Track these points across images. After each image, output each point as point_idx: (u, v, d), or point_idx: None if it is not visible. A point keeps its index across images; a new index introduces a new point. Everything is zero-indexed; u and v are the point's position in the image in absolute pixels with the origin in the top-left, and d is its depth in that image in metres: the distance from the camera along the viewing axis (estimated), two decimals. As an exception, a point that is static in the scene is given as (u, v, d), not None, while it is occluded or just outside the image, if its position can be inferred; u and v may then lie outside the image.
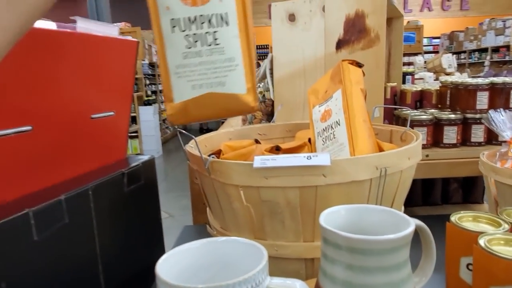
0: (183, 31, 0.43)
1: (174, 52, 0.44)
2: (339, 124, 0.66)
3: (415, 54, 6.56)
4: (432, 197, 1.37)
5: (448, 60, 4.41)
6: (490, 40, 7.29)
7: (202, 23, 0.43)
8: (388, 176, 0.55)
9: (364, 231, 0.43)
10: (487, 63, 7.48)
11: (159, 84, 6.94)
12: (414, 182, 1.35)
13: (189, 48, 0.43)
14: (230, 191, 0.56)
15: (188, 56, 0.44)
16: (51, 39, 0.55)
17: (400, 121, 1.20)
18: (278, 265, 0.59)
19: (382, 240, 0.36)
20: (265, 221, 0.56)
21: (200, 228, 0.91)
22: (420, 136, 0.66)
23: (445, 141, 1.08)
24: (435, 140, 1.10)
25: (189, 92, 0.45)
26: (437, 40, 9.31)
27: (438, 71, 4.17)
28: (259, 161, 0.51)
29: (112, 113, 0.73)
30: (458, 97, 1.14)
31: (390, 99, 1.39)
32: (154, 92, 6.65)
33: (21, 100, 0.52)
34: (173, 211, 3.32)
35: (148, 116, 5.33)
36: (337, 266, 0.38)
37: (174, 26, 0.43)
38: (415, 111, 1.18)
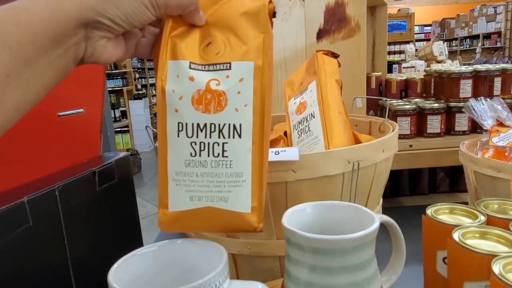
0: (190, 137, 0.39)
1: (177, 157, 0.40)
2: (314, 117, 0.64)
3: (407, 42, 6.54)
4: (419, 187, 1.36)
5: (439, 48, 4.40)
6: (481, 27, 7.29)
7: (212, 132, 0.39)
8: (362, 170, 0.53)
9: (330, 228, 0.41)
10: (478, 50, 7.48)
11: (150, 77, 6.88)
12: (401, 172, 1.35)
13: (194, 156, 0.39)
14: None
15: (191, 164, 0.39)
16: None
17: (385, 111, 1.19)
18: (252, 264, 0.58)
19: (344, 239, 0.34)
20: (236, 219, 0.54)
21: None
22: (397, 127, 0.64)
23: (429, 130, 1.07)
24: (419, 130, 1.09)
25: (186, 202, 0.40)
26: (429, 28, 9.29)
27: (429, 59, 4.16)
28: (225, 158, 0.49)
29: (81, 110, 0.71)
30: (441, 85, 1.13)
31: (375, 88, 1.38)
32: (144, 86, 6.58)
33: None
34: (165, 205, 3.31)
35: (138, 110, 5.29)
36: (300, 267, 0.37)
37: (180, 130, 0.39)
38: (399, 100, 1.17)
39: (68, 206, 0.62)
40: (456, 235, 0.47)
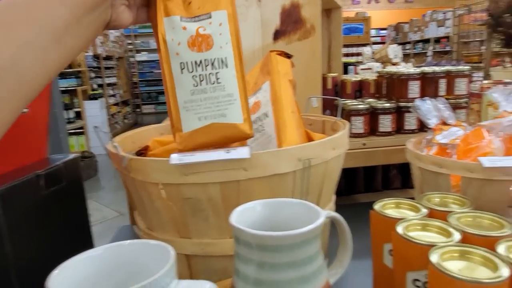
0: (191, 72, 0.51)
1: (183, 90, 0.51)
2: (267, 116, 0.64)
3: (364, 45, 6.76)
4: (374, 184, 1.42)
5: (394, 51, 4.58)
6: (432, 31, 7.68)
7: (207, 65, 0.51)
8: (313, 168, 0.54)
9: (280, 225, 0.42)
10: (430, 53, 7.88)
11: (106, 77, 6.64)
12: (356, 170, 1.39)
13: (196, 86, 0.51)
14: (151, 189, 0.53)
15: (195, 93, 0.51)
16: None
17: (340, 111, 1.22)
18: (206, 264, 0.57)
19: (289, 235, 0.35)
20: (188, 219, 0.54)
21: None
22: (347, 126, 0.66)
23: (381, 129, 1.11)
24: (372, 129, 1.13)
25: (196, 123, 0.52)
26: (384, 31, 9.66)
27: (385, 61, 4.32)
28: (176, 157, 0.49)
29: (25, 110, 0.67)
30: (392, 86, 1.18)
31: (331, 89, 1.41)
32: (100, 86, 6.34)
33: None
34: (124, 209, 3.21)
35: (94, 111, 5.09)
36: (249, 265, 0.37)
37: (183, 68, 0.51)
38: (353, 101, 1.21)
39: (11, 211, 0.58)
40: (399, 228, 0.50)
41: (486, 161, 0.58)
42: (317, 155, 0.54)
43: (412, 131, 1.12)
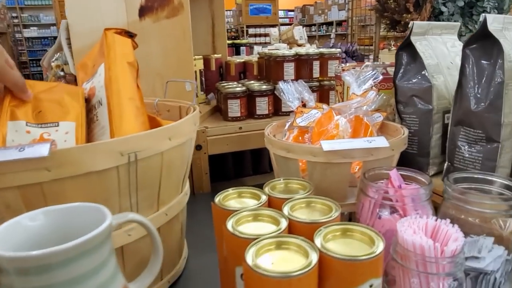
0: None
1: None
2: (101, 104, 0.57)
3: (273, 26, 6.84)
4: (261, 166, 1.42)
5: (299, 32, 4.71)
6: (334, 15, 8.08)
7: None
8: (142, 161, 0.49)
9: (72, 236, 0.36)
10: (333, 35, 8.29)
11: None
12: (243, 153, 1.38)
13: None
14: None
15: None
16: None
17: (220, 94, 1.18)
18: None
19: (53, 253, 0.29)
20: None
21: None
22: (192, 112, 0.62)
23: (258, 112, 1.10)
24: (250, 112, 1.12)
25: None
26: (292, 13, 9.91)
27: (291, 42, 4.41)
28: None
29: None
30: (270, 68, 1.17)
31: (215, 71, 1.37)
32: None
33: None
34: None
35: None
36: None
37: None
38: (231, 83, 1.18)
39: None
40: (230, 222, 0.47)
41: (326, 145, 0.58)
42: (146, 147, 0.49)
43: (289, 114, 1.13)
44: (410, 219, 0.48)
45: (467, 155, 0.67)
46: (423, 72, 0.74)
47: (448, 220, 0.47)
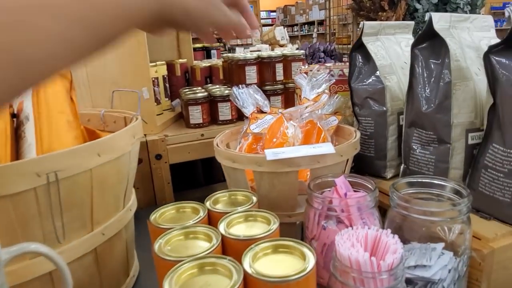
0: None
1: None
2: (28, 120, 0.54)
3: (255, 27, 6.81)
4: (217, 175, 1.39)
5: (280, 33, 4.69)
6: (315, 14, 8.10)
7: None
8: (66, 180, 0.46)
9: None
10: (314, 35, 8.31)
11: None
12: (212, 159, 1.34)
13: None
14: None
15: None
16: None
17: (182, 100, 1.15)
18: None
19: None
20: None
21: None
22: (132, 124, 0.58)
23: (221, 117, 1.07)
24: (213, 118, 1.09)
25: None
26: (274, 14, 9.92)
27: (273, 43, 4.40)
28: None
29: None
30: (232, 72, 1.14)
31: (181, 76, 1.34)
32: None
33: None
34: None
35: None
36: None
37: None
38: (198, 88, 1.15)
39: None
40: (159, 242, 0.44)
41: (270, 154, 0.56)
42: (69, 165, 0.46)
43: (253, 118, 1.11)
44: (351, 230, 0.46)
45: (420, 157, 0.65)
46: (377, 73, 0.73)
47: (389, 231, 0.45)
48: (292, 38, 8.18)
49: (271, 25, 9.38)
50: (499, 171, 0.54)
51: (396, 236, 0.44)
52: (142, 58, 0.96)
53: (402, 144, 0.69)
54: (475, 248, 0.53)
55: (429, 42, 0.63)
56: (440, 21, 0.60)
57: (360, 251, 0.42)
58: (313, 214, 0.53)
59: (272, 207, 0.60)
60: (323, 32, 8.00)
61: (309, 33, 8.58)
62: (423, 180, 0.54)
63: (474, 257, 0.53)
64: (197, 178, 1.37)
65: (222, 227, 0.47)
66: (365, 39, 0.73)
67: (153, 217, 0.51)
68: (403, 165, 0.70)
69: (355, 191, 0.56)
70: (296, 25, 8.90)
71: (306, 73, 0.86)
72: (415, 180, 0.54)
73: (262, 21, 8.61)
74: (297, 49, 2.81)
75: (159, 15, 0.33)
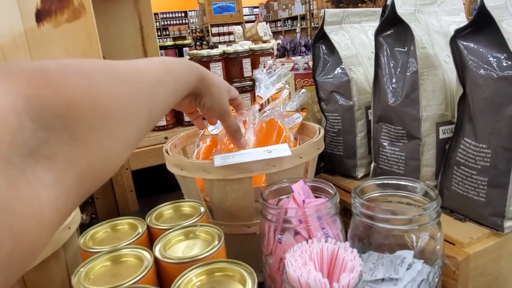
0: None
1: None
2: None
3: (238, 24, 6.74)
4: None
5: (263, 29, 4.62)
6: (298, 9, 8.05)
7: None
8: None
9: None
10: (298, 30, 8.26)
11: None
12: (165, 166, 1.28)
13: None
14: None
15: None
16: None
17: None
18: None
19: None
20: None
21: None
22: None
23: (186, 118, 1.01)
24: (178, 119, 1.02)
25: None
26: (257, 10, 9.84)
27: (256, 39, 4.32)
28: None
29: None
30: (198, 70, 1.08)
31: (147, 76, 1.27)
32: None
33: None
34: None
35: None
36: None
37: None
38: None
39: None
40: (83, 268, 0.38)
41: (218, 160, 0.50)
42: None
43: (222, 117, 1.05)
44: (305, 245, 0.40)
45: (390, 155, 0.60)
46: (342, 65, 0.67)
47: (348, 244, 0.39)
48: (276, 34, 8.13)
49: (254, 21, 9.31)
50: (472, 168, 0.49)
51: (355, 251, 0.38)
52: (95, 56, 0.89)
53: (372, 141, 0.64)
54: (448, 255, 0.47)
55: (394, 28, 0.57)
56: (404, 5, 0.55)
57: (312, 272, 0.36)
58: (267, 227, 0.47)
59: (228, 217, 0.55)
60: (306, 26, 7.96)
61: (293, 28, 8.53)
62: (390, 182, 0.48)
63: (448, 265, 0.48)
64: (168, 181, 1.31)
65: (158, 248, 0.40)
66: (327, 29, 0.67)
67: (83, 239, 0.44)
68: (373, 163, 0.65)
69: (316, 197, 0.51)
70: (279, 20, 8.83)
71: (270, 68, 0.80)
72: (380, 182, 0.48)
73: (245, 18, 8.52)
74: (278, 44, 2.75)
75: (195, 86, 0.44)
